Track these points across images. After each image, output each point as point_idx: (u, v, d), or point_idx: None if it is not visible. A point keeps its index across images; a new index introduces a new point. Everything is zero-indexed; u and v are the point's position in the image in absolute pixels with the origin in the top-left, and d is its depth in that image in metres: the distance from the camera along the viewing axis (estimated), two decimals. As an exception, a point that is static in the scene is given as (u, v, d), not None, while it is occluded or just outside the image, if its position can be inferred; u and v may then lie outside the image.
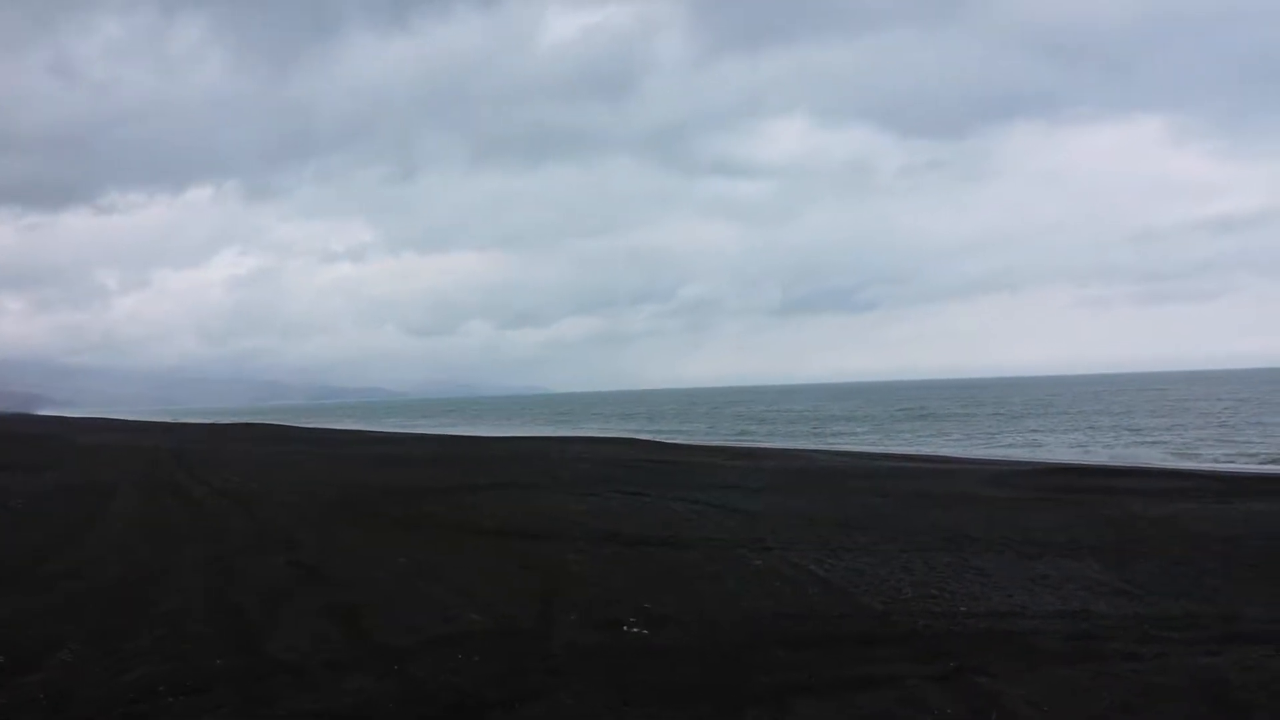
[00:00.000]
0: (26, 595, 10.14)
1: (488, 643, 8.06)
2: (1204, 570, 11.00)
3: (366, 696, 6.72)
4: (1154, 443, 42.86)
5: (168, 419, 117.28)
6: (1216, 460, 33.75)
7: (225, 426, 77.02)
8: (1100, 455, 37.41)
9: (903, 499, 19.12)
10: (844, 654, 7.61)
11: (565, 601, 9.52)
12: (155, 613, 9.18)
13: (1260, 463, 32.43)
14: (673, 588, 10.20)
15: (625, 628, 8.48)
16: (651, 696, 6.63)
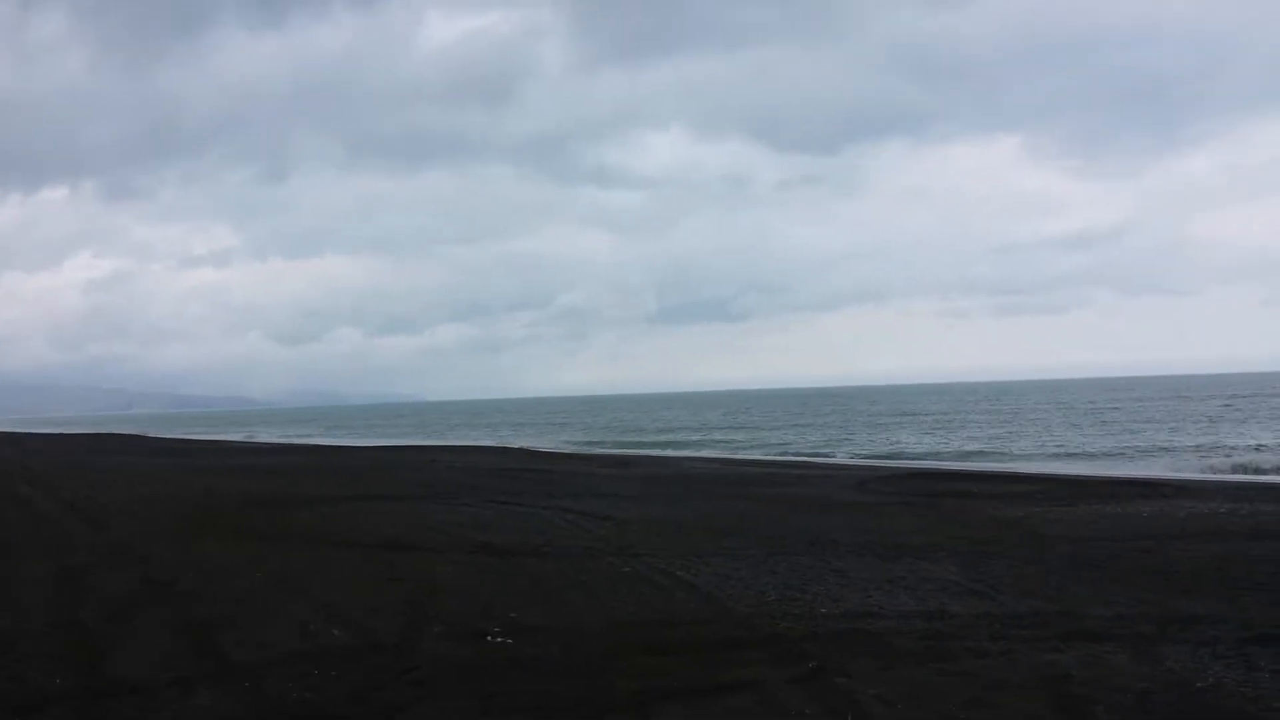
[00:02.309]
0: None
1: (347, 658, 7.86)
2: (1051, 570, 11.50)
3: (214, 715, 6.47)
4: (993, 450, 44.72)
5: (12, 429, 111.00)
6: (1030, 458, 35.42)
7: (76, 436, 73.42)
8: (956, 460, 38.84)
9: (770, 504, 19.48)
10: (708, 658, 7.69)
11: (431, 614, 9.36)
12: (-11, 633, 8.66)
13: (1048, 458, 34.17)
14: (541, 597, 10.15)
15: (490, 639, 8.39)
16: (514, 707, 6.57)
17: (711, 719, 6.31)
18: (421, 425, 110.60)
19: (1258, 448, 39.16)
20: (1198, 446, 41.05)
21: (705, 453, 47.97)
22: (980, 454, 42.35)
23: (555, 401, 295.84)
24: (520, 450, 48.51)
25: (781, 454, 45.99)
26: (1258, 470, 30.17)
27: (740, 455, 45.09)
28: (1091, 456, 38.62)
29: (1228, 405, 78.89)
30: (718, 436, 64.66)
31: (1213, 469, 31.40)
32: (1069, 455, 39.63)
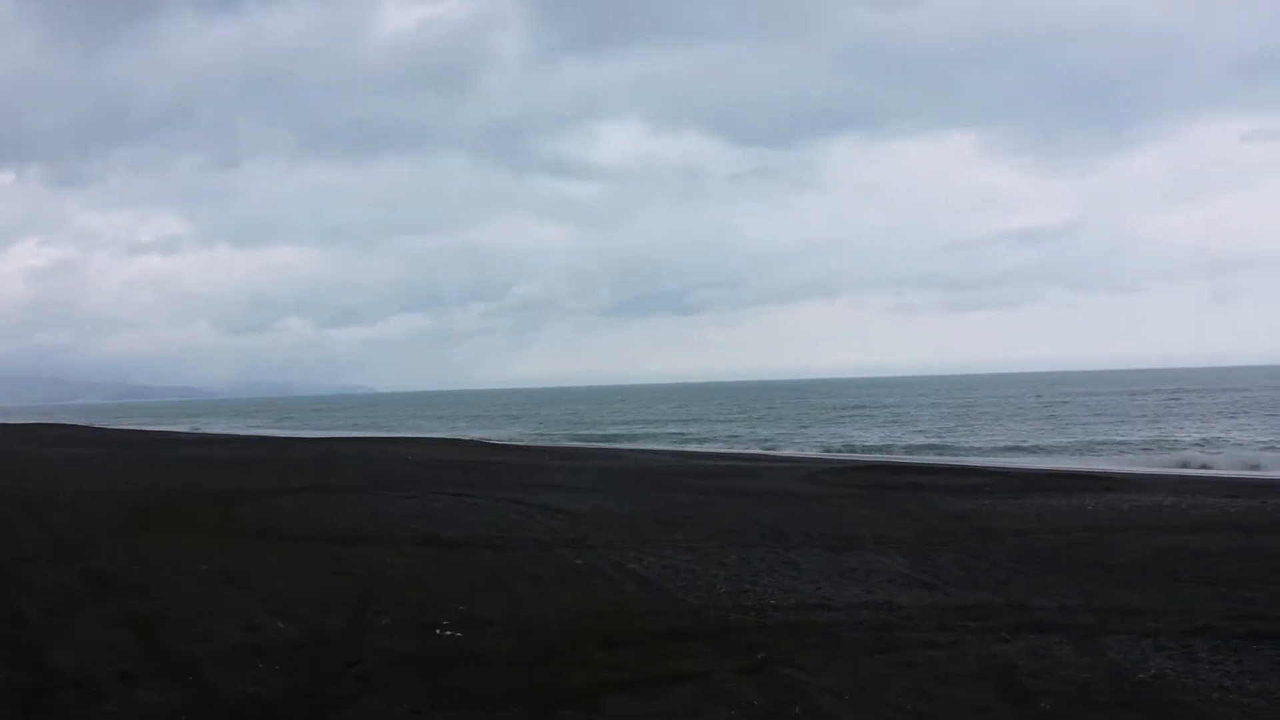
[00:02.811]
0: None
1: (292, 651, 7.76)
2: (997, 563, 11.65)
3: (157, 709, 6.36)
4: (940, 443, 45.27)
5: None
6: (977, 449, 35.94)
7: (18, 426, 71.85)
8: (906, 454, 39.25)
9: (722, 496, 19.55)
10: (658, 650, 7.70)
11: (379, 607, 9.27)
12: (-77, 629, 8.45)
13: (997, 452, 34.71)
14: (492, 590, 10.10)
15: (440, 631, 8.33)
16: (462, 701, 6.53)
17: (660, 710, 6.32)
18: (372, 417, 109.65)
19: (1201, 442, 39.98)
20: (1143, 441, 41.83)
21: (658, 445, 48.06)
22: (930, 447, 42.83)
23: (509, 393, 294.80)
24: (473, 442, 48.26)
25: (734, 446, 46.20)
26: (1203, 465, 30.77)
27: (693, 448, 45.25)
28: (1039, 451, 39.19)
29: (1174, 400, 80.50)
30: (671, 429, 64.79)
31: (1157, 463, 32.03)
32: (1017, 449, 40.18)
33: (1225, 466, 29.92)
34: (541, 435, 62.48)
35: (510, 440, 53.70)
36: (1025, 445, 42.00)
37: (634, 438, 56.53)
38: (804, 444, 47.52)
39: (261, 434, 65.77)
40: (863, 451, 41.55)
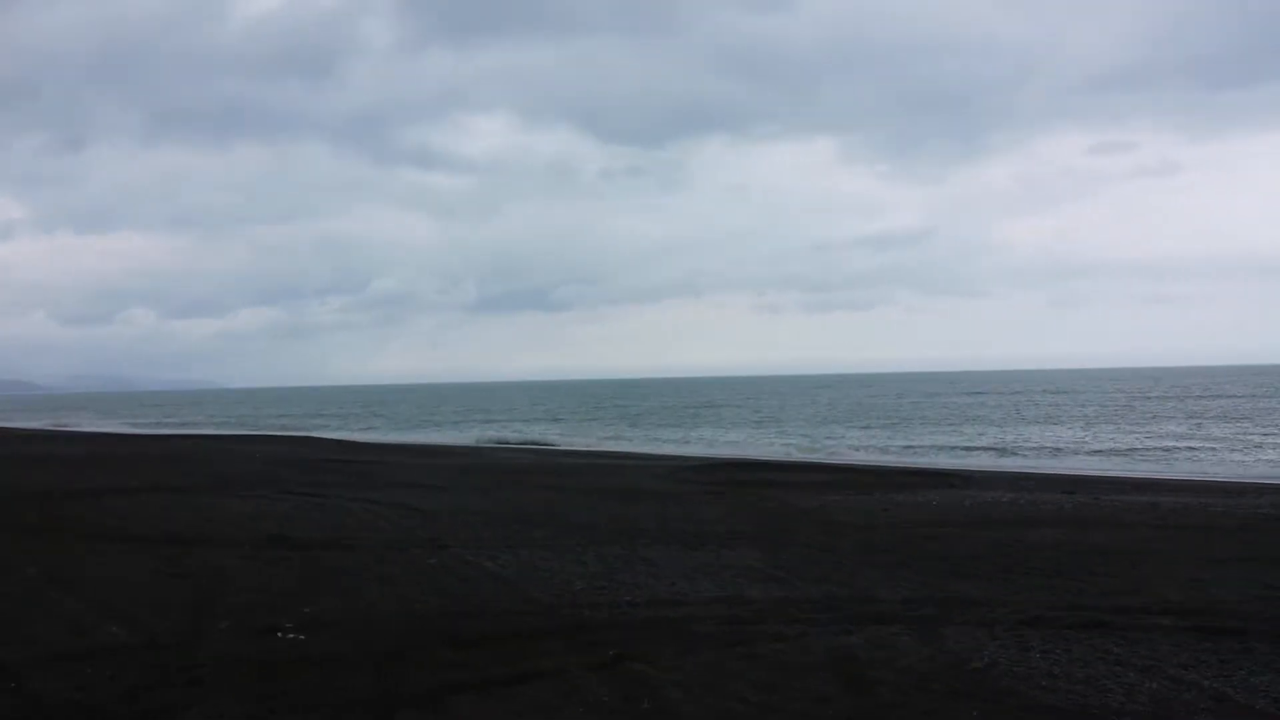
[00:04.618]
0: None
1: (124, 656, 7.37)
2: (844, 556, 11.96)
3: (-34, 724, 5.93)
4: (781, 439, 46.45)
5: None
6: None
7: None
8: (762, 451, 40.03)
9: (581, 494, 19.52)
10: (510, 649, 7.59)
11: (217, 610, 8.90)
12: None
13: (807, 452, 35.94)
14: (338, 592, 9.80)
15: (281, 634, 8.03)
16: (300, 704, 6.29)
17: (507, 710, 6.22)
18: (220, 413, 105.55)
19: (1041, 443, 42.00)
20: (985, 440, 43.67)
21: (519, 443, 47.76)
22: (785, 445, 43.77)
23: (367, 390, 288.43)
24: (325, 440, 47.00)
25: (595, 444, 46.27)
26: (1041, 463, 32.33)
27: (554, 445, 45.11)
28: (891, 449, 40.50)
29: (1014, 400, 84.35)
30: (534, 427, 64.47)
31: (998, 462, 33.53)
32: (868, 447, 41.44)
33: (1063, 464, 31.57)
34: (399, 432, 61.34)
35: (365, 438, 52.53)
36: (876, 444, 43.35)
37: (495, 435, 55.99)
38: (664, 441, 47.94)
39: (99, 430, 62.49)
40: (720, 448, 42.17)
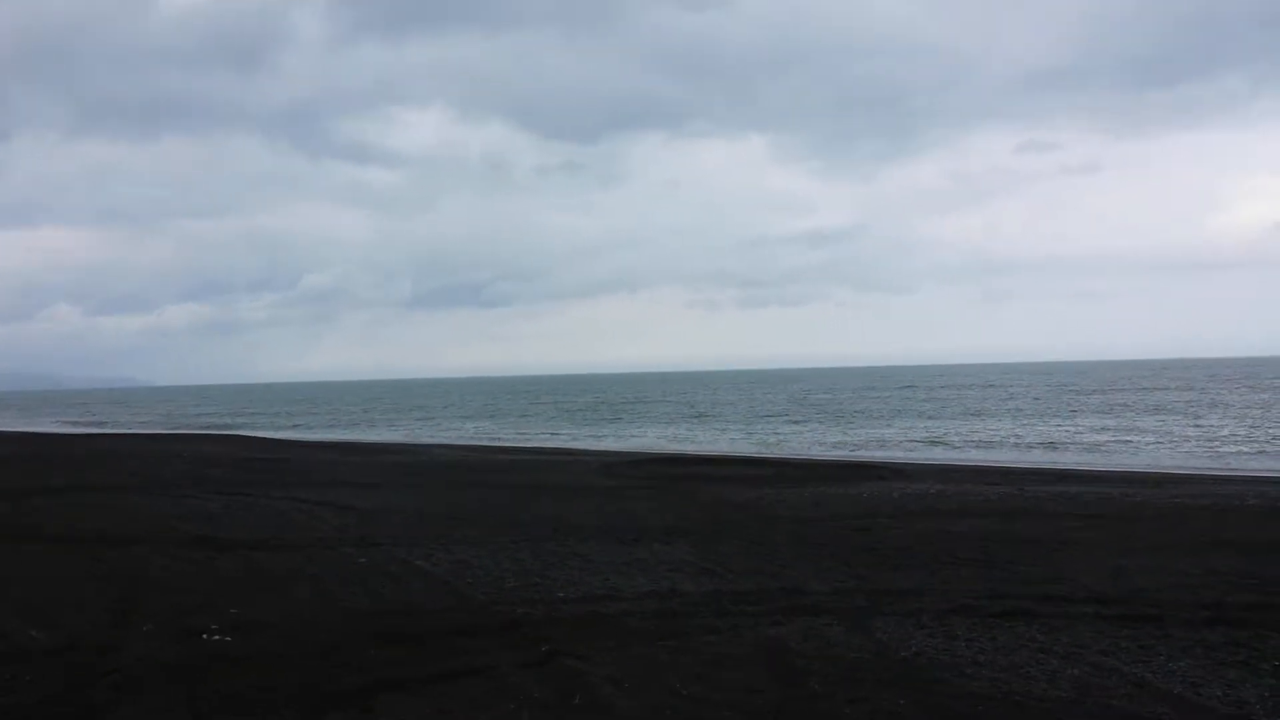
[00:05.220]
0: None
1: (44, 659, 7.21)
2: (776, 549, 12.08)
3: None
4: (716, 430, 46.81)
5: None
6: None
7: None
8: (697, 445, 40.24)
9: (517, 490, 19.46)
10: (441, 647, 7.54)
11: (141, 612, 8.72)
12: None
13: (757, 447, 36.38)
14: (266, 592, 9.65)
15: (207, 636, 7.89)
16: (226, 705, 6.19)
17: (436, 707, 6.18)
18: (147, 412, 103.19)
19: (982, 437, 42.77)
20: (918, 431, 44.36)
21: (453, 439, 47.40)
22: (721, 439, 44.02)
23: (298, 387, 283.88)
24: (255, 439, 46.21)
25: (530, 440, 46.11)
26: (969, 455, 32.93)
27: (488, 442, 44.84)
28: (824, 443, 40.95)
29: (947, 394, 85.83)
30: (469, 424, 64.04)
31: (927, 454, 34.08)
32: (803, 442, 41.86)
33: (991, 456, 32.18)
34: (331, 430, 60.54)
35: (296, 436, 51.75)
36: (812, 437, 43.80)
37: (428, 431, 55.53)
38: (600, 437, 47.92)
39: (20, 430, 60.70)
40: (655, 443, 42.28)
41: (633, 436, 47.98)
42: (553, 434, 51.63)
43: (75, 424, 75.11)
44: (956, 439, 39.96)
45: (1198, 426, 42.47)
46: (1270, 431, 38.57)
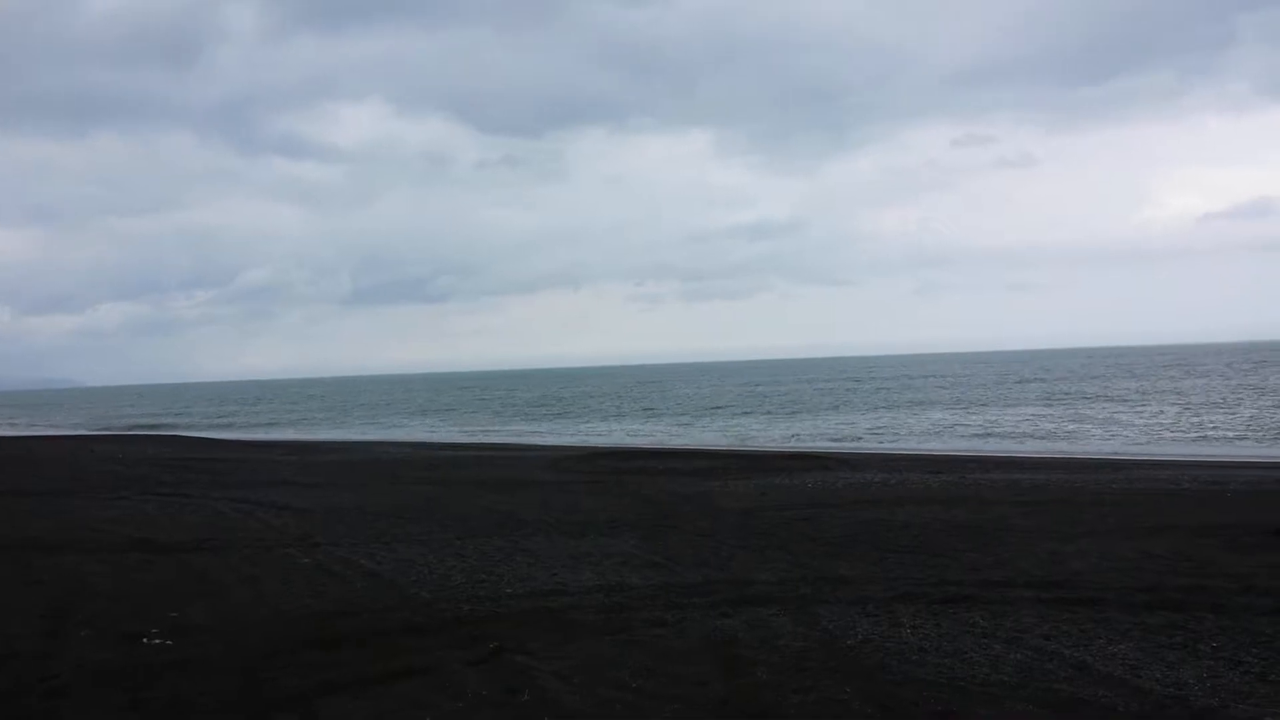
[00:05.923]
0: None
1: (-26, 670, 6.98)
2: (723, 541, 12.12)
3: None
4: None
5: None
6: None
7: None
8: (642, 439, 40.30)
9: (462, 487, 19.32)
10: (385, 647, 7.45)
11: (78, 617, 8.50)
12: None
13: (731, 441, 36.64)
14: (205, 595, 9.47)
15: (146, 641, 7.72)
16: (167, 710, 6.06)
17: (380, 708, 6.10)
18: (79, 413, 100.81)
19: (922, 427, 43.33)
20: (861, 422, 44.85)
21: (397, 437, 46.96)
22: (666, 432, 44.13)
23: (235, 386, 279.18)
24: (191, 439, 45.39)
25: (475, 437, 45.83)
26: (913, 445, 33.35)
27: (432, 439, 44.50)
28: (766, 435, 41.22)
29: (890, 384, 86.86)
30: (413, 421, 63.50)
31: (871, 444, 34.48)
32: (747, 433, 42.10)
33: (933, 446, 32.63)
34: (270, 429, 59.65)
35: (234, 436, 50.91)
36: (756, 429, 44.06)
37: (370, 429, 54.96)
38: (546, 432, 47.81)
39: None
40: (600, 437, 42.26)
41: (579, 431, 47.92)
42: (499, 430, 51.40)
43: (5, 426, 73.16)
44: (900, 429, 40.47)
45: (1135, 413, 43.46)
46: (1205, 417, 39.58)
